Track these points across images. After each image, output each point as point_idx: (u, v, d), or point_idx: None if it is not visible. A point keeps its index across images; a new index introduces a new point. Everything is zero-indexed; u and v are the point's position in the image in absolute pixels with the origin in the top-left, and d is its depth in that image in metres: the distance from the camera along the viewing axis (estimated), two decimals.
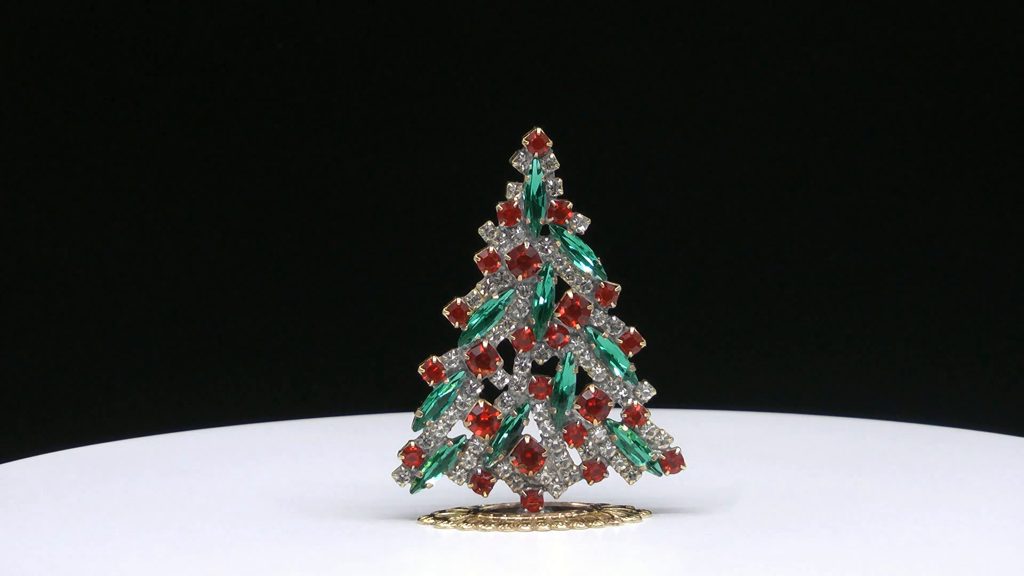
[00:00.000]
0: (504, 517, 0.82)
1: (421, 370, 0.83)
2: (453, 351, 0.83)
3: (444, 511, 0.84)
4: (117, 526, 0.84)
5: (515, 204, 0.83)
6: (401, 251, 1.42)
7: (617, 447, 0.83)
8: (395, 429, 1.08)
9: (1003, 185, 1.38)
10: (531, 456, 0.82)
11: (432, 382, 0.83)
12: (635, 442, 0.83)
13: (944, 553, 0.77)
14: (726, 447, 1.04)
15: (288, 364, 1.42)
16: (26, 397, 1.39)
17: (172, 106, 1.40)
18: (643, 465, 0.83)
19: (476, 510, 0.84)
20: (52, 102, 1.39)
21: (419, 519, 0.83)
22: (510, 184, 0.83)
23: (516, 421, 0.82)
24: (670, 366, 1.38)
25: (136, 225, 1.40)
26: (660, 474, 0.84)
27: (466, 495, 0.85)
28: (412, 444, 0.83)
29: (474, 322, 0.83)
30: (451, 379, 0.83)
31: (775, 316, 1.41)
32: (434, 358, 0.83)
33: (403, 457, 0.83)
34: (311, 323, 1.42)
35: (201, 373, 1.40)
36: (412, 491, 0.83)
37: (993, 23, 1.37)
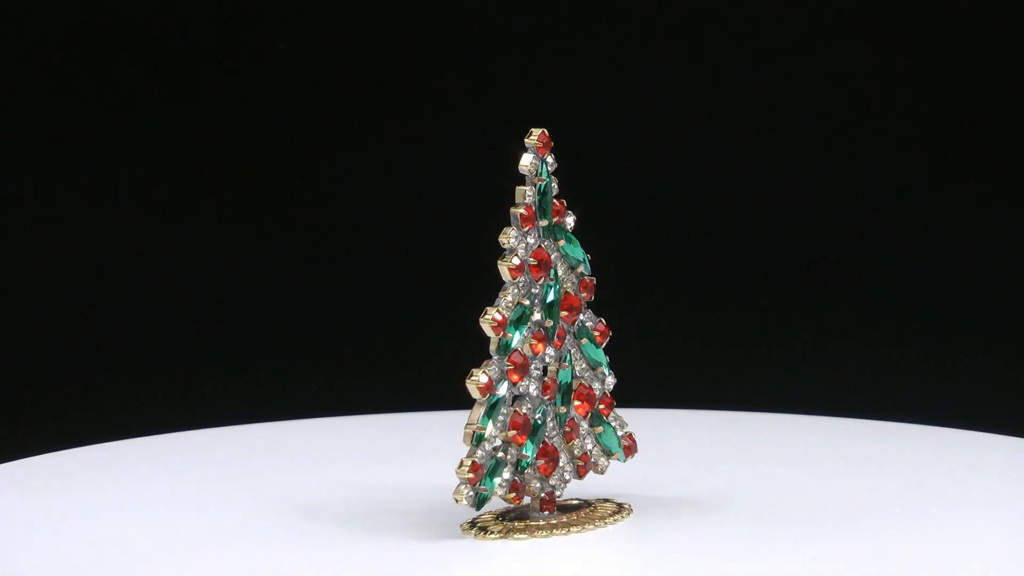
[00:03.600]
0: (531, 523, 0.82)
1: (478, 387, 0.80)
2: (490, 361, 0.81)
3: (479, 517, 0.83)
4: (116, 527, 0.84)
5: (533, 208, 0.82)
6: (400, 252, 1.42)
7: (596, 438, 0.84)
8: (395, 429, 1.08)
9: (1002, 185, 1.38)
10: (554, 458, 0.82)
11: (484, 396, 0.80)
12: (610, 431, 0.84)
13: (943, 553, 0.77)
14: (725, 447, 1.04)
15: (288, 364, 1.42)
16: (26, 397, 1.39)
17: (174, 107, 1.40)
18: (617, 453, 0.84)
19: (503, 516, 0.83)
20: (52, 103, 1.39)
21: (462, 528, 0.81)
22: (521, 188, 0.82)
23: (542, 424, 0.82)
24: (669, 366, 1.38)
25: (137, 225, 1.40)
26: (624, 460, 0.85)
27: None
28: (475, 461, 0.80)
29: (511, 330, 0.81)
30: (498, 389, 0.81)
31: (774, 316, 1.41)
32: (483, 373, 0.80)
33: (471, 475, 0.79)
34: (311, 323, 1.42)
35: (201, 373, 1.40)
36: (478, 509, 0.80)
37: (993, 23, 1.37)
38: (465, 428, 0.80)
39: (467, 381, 0.80)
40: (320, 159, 1.41)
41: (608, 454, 0.85)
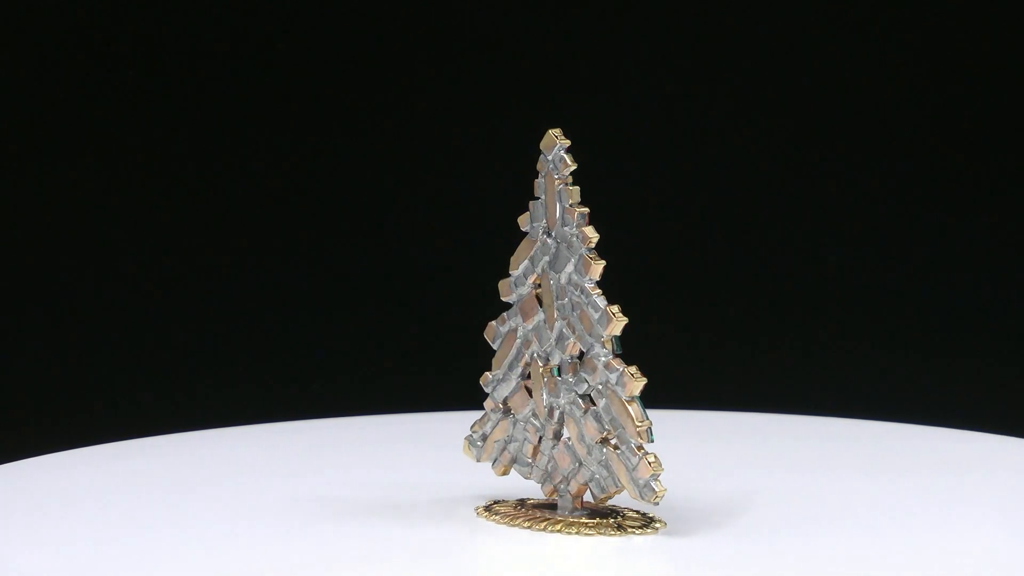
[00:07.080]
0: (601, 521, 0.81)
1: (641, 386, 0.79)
2: (619, 359, 0.80)
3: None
4: (117, 527, 0.84)
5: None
6: (401, 253, 1.42)
7: None
8: (393, 429, 1.08)
9: (1002, 185, 1.38)
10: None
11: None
12: None
13: (944, 553, 0.77)
14: (725, 448, 1.04)
15: (288, 364, 1.42)
16: (26, 397, 1.39)
17: (177, 107, 1.40)
18: None
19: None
20: (54, 103, 1.39)
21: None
22: (575, 187, 0.81)
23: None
24: (669, 366, 1.38)
25: (138, 225, 1.40)
26: None
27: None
28: (655, 455, 0.79)
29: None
30: None
31: (775, 316, 1.41)
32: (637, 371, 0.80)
33: (660, 468, 0.79)
34: (312, 323, 1.42)
35: (202, 373, 1.40)
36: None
37: (994, 24, 1.37)
38: (637, 427, 0.78)
39: (634, 383, 0.78)
40: (321, 159, 1.41)
41: None
